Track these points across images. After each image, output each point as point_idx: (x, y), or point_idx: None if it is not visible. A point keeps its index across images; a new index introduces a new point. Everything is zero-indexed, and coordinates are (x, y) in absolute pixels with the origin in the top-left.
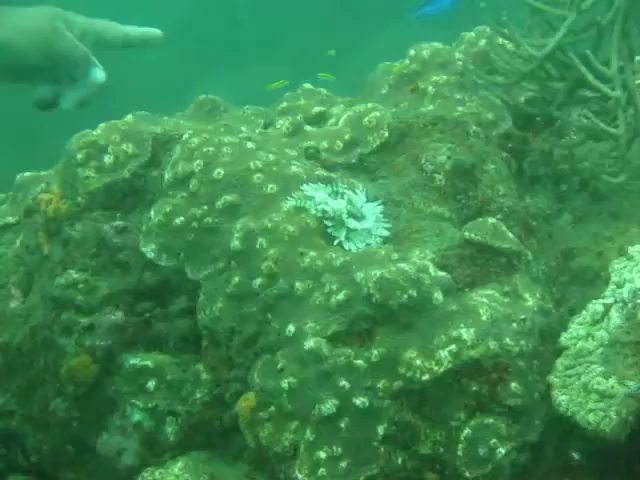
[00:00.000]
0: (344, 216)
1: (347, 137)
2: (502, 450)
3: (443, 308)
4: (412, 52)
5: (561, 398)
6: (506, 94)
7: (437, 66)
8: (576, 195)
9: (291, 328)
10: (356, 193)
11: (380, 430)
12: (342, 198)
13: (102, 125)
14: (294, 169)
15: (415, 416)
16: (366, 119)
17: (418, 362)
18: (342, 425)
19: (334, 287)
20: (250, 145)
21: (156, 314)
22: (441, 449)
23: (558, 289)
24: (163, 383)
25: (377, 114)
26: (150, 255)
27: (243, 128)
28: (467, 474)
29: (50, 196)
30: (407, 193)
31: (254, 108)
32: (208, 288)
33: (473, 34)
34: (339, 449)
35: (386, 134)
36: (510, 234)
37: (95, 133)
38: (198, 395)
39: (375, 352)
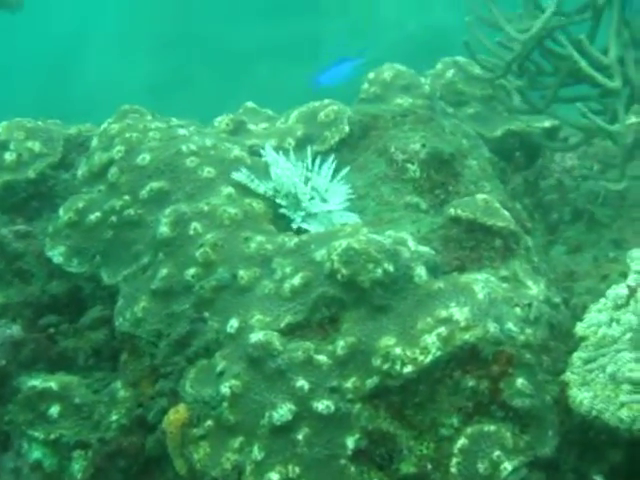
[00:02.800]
0: (301, 195)
1: (299, 133)
2: (508, 466)
3: (427, 286)
4: (371, 75)
5: (582, 396)
6: (481, 126)
7: (400, 89)
8: (569, 226)
9: (233, 323)
10: (318, 173)
11: (349, 443)
12: (300, 177)
13: (4, 123)
14: (236, 152)
15: (394, 423)
16: (322, 114)
17: (397, 351)
18: (300, 437)
19: (287, 271)
20: (183, 132)
21: (63, 329)
22: (429, 466)
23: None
24: (70, 408)
25: (334, 107)
26: (57, 260)
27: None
28: None
29: None
30: (374, 186)
31: (186, 121)
32: (128, 289)
33: (440, 66)
34: (296, 469)
35: (346, 128)
36: (505, 212)
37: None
38: (114, 417)
39: (341, 343)
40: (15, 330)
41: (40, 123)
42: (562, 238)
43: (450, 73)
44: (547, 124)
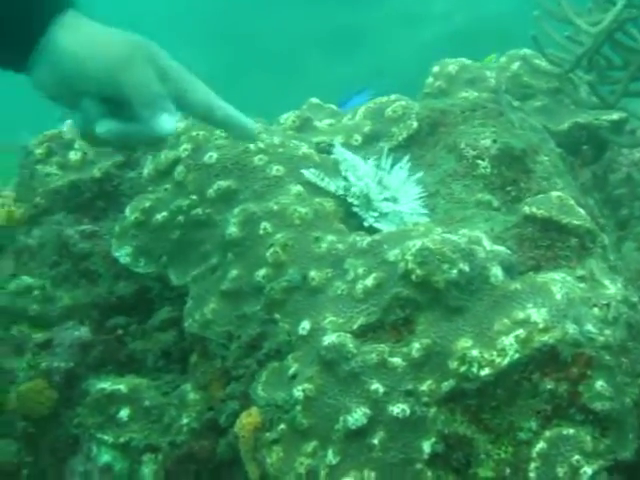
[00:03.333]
0: (373, 195)
1: (367, 129)
2: (588, 470)
3: (504, 287)
4: (436, 69)
5: None
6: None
7: (465, 82)
8: (639, 221)
9: (305, 325)
10: (390, 172)
11: (426, 447)
12: (373, 176)
13: (69, 121)
14: (304, 150)
15: (471, 427)
16: (389, 109)
17: (475, 353)
18: (375, 442)
19: (360, 271)
20: None
21: (131, 331)
22: (507, 470)
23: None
24: (139, 411)
25: (402, 103)
26: (124, 261)
27: None
28: None
29: (1, 200)
30: (444, 183)
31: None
32: (197, 290)
33: (504, 58)
34: (372, 474)
35: (414, 124)
36: (580, 210)
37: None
38: (184, 421)
39: (417, 345)
40: (83, 332)
41: None
42: (632, 234)
43: (515, 65)
44: (615, 116)
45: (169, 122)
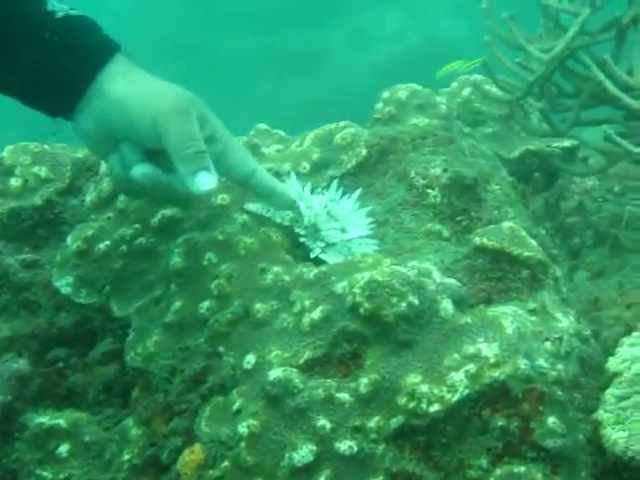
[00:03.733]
0: (321, 225)
1: (315, 157)
2: None
3: (454, 321)
4: (386, 94)
5: (617, 435)
6: (500, 147)
7: (416, 108)
8: (591, 250)
9: (250, 359)
10: (339, 202)
11: None
12: (318, 203)
13: (9, 147)
14: None
15: (421, 465)
16: (338, 136)
17: (424, 389)
18: (322, 479)
19: (307, 304)
20: None
21: (72, 363)
22: None
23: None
24: (80, 446)
25: (351, 130)
26: (65, 291)
27: None
28: None
29: None
30: (394, 212)
31: None
32: (140, 322)
33: (455, 83)
34: None
35: (364, 152)
36: (532, 240)
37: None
38: (125, 457)
39: (365, 380)
40: (22, 364)
41: (47, 147)
42: (585, 263)
43: (467, 91)
44: (567, 144)
45: (207, 181)
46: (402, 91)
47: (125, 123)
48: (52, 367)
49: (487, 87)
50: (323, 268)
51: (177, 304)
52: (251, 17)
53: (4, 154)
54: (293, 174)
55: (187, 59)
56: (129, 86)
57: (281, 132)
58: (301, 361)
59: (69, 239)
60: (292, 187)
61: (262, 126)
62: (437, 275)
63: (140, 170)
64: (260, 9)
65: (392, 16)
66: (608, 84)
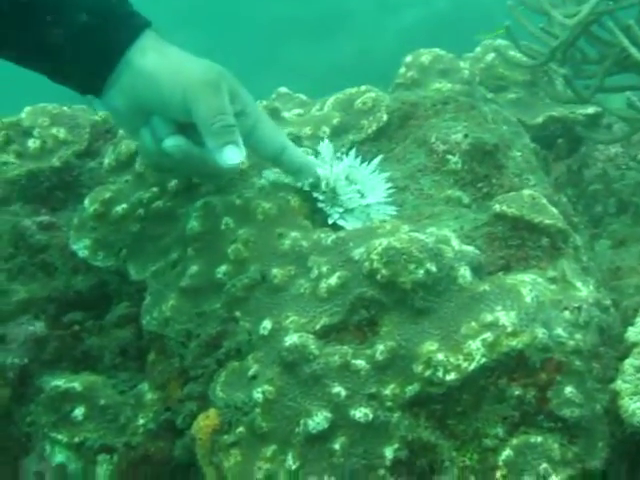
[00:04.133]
0: (340, 190)
1: (335, 121)
2: (556, 479)
3: (472, 288)
4: (409, 59)
5: (635, 406)
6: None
7: (438, 73)
8: (614, 218)
9: (267, 325)
10: (359, 167)
11: (388, 453)
12: (338, 168)
13: (27, 108)
14: None
15: (436, 433)
16: (359, 101)
17: (440, 357)
18: (336, 447)
19: (324, 269)
20: None
21: (88, 327)
22: (472, 478)
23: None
24: (95, 410)
25: (372, 95)
26: (83, 254)
27: None
28: None
29: None
30: (414, 177)
31: None
32: (156, 286)
33: (478, 48)
34: (332, 479)
35: (384, 117)
36: (553, 208)
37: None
38: (140, 421)
39: (381, 347)
40: (38, 327)
41: (66, 108)
42: (607, 232)
43: (490, 57)
44: (591, 110)
45: (235, 155)
46: (425, 55)
47: (156, 97)
48: (68, 330)
49: (511, 53)
50: (341, 234)
51: (194, 268)
52: None
53: (22, 115)
54: (327, 142)
55: (209, 26)
56: (159, 61)
57: (302, 96)
58: (317, 327)
59: (86, 202)
60: (325, 151)
61: (283, 90)
62: (455, 242)
63: (172, 142)
64: None
65: None
66: (633, 50)
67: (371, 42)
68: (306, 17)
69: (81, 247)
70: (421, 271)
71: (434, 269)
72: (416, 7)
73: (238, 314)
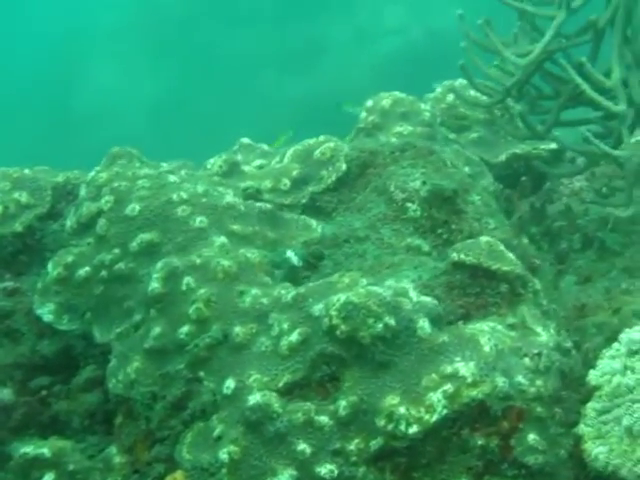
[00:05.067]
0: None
1: (295, 173)
2: None
3: (431, 340)
4: (370, 103)
5: (597, 450)
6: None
7: (399, 116)
8: (579, 254)
9: (230, 384)
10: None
11: None
12: None
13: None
14: (229, 199)
15: None
16: (317, 151)
17: (402, 410)
18: None
19: (285, 326)
20: (173, 178)
21: (55, 391)
22: None
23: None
24: (64, 476)
25: (331, 145)
26: (47, 318)
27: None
28: None
29: None
30: (374, 227)
31: (178, 163)
32: (121, 349)
33: (439, 89)
34: None
35: (343, 166)
36: (510, 254)
37: None
38: None
39: (343, 403)
40: (6, 394)
41: (27, 171)
42: (572, 267)
43: (451, 97)
44: (553, 145)
45: None
46: (386, 99)
47: None
48: (36, 396)
49: (469, 92)
50: (301, 289)
51: (157, 330)
52: (253, 14)
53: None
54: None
55: (188, 55)
56: None
57: (264, 146)
58: (280, 385)
59: (49, 266)
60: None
61: (245, 140)
62: (414, 294)
63: None
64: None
65: (392, 11)
66: (585, 87)
67: (346, 74)
68: (282, 49)
69: (46, 311)
70: (380, 325)
71: (393, 322)
72: (391, 37)
73: (202, 374)
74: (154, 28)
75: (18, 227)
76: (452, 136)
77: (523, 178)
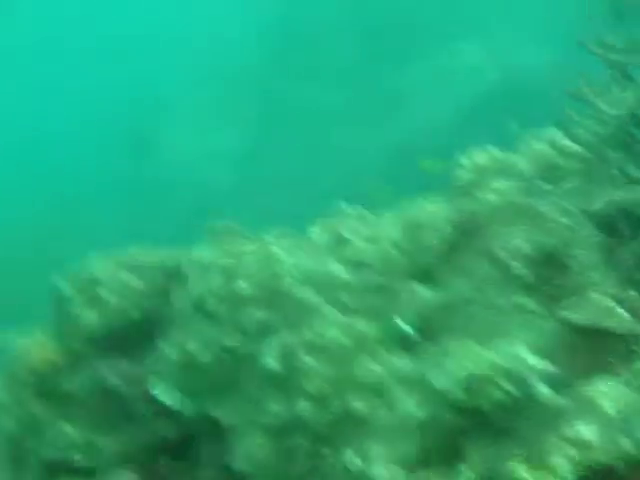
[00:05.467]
0: None
1: (400, 241)
2: None
3: (550, 404)
4: (465, 161)
5: None
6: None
7: (495, 172)
8: None
9: (354, 459)
10: None
11: None
12: None
13: (97, 259)
14: (337, 271)
15: None
16: (420, 216)
17: (526, 477)
18: None
19: (407, 400)
20: (279, 252)
21: (177, 469)
22: None
23: None
24: None
25: (433, 209)
26: (166, 401)
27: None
28: None
29: (38, 345)
30: (479, 289)
31: (277, 232)
32: (239, 425)
33: (533, 141)
34: None
35: (448, 230)
36: (620, 310)
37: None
38: None
39: (468, 474)
40: (132, 478)
41: (133, 254)
42: None
43: (544, 147)
44: None
45: None
46: (479, 156)
47: None
48: (158, 476)
49: (563, 142)
50: (419, 362)
51: (275, 407)
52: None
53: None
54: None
55: (266, 109)
56: None
57: (364, 211)
58: (405, 458)
59: (165, 348)
60: None
61: (343, 205)
62: (529, 357)
63: None
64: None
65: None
66: None
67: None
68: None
69: (163, 393)
70: (500, 393)
71: (512, 389)
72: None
73: (325, 450)
74: (235, 78)
75: (133, 313)
76: (548, 187)
77: (621, 224)
